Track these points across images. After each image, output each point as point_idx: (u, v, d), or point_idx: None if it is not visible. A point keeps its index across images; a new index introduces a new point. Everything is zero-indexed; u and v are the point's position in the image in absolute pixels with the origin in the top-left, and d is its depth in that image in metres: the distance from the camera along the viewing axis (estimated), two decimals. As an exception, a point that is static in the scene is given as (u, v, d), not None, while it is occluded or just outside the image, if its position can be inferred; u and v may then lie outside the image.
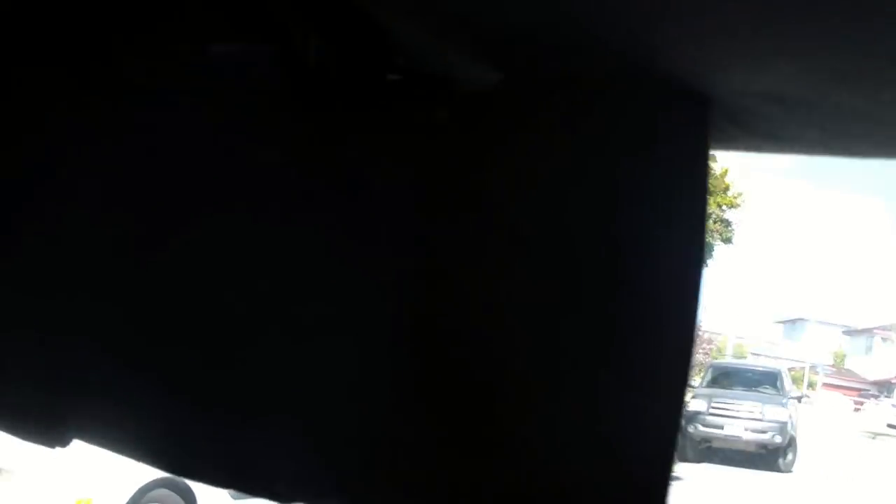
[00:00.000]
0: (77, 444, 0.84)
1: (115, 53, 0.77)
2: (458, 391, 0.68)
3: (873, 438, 15.63)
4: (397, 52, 0.78)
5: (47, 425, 0.76)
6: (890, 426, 15.95)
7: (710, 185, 0.70)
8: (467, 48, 0.77)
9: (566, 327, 0.67)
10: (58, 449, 0.78)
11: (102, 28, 0.78)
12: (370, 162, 0.75)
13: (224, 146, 0.75)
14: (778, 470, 11.63)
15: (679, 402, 0.63)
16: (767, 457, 11.76)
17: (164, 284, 0.73)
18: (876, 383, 17.86)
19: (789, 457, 12.01)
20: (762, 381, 13.45)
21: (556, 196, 0.72)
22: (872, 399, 17.33)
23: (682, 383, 0.63)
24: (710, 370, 14.25)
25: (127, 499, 5.95)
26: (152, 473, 6.15)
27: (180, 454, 0.73)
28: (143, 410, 0.73)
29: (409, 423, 0.69)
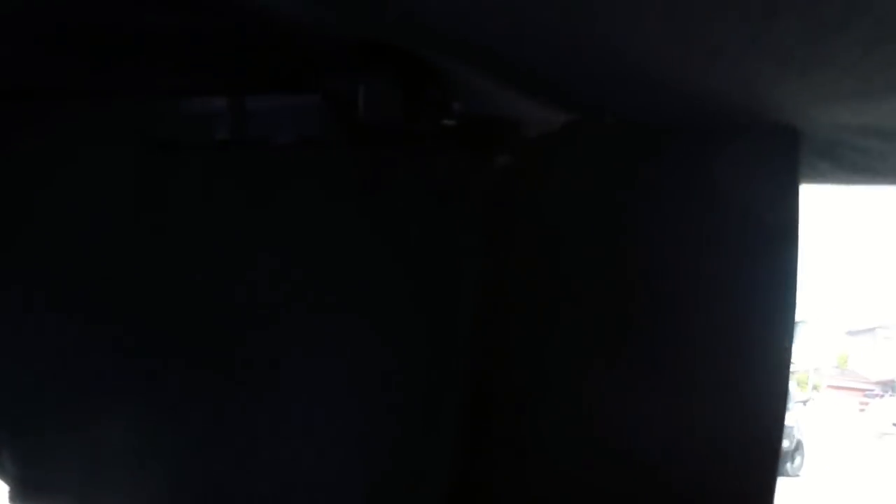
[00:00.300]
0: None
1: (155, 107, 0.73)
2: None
3: (879, 438, 15.66)
4: (455, 96, 0.74)
5: None
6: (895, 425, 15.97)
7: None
8: (532, 91, 0.72)
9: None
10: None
11: (137, 76, 0.74)
12: (424, 208, 0.72)
13: (277, 199, 0.72)
14: (786, 475, 11.60)
15: (782, 410, 0.66)
16: (775, 462, 11.72)
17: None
18: (880, 383, 17.88)
19: (797, 461, 11.99)
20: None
21: (644, 235, 0.70)
22: (877, 399, 17.32)
23: (783, 394, 0.65)
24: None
25: None
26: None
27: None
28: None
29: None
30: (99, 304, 0.74)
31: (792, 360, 0.69)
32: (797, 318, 0.70)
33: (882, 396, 17.41)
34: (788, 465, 11.76)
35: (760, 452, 0.66)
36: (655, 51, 0.58)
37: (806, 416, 13.30)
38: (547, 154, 0.75)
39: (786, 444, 11.59)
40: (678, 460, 0.66)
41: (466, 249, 0.70)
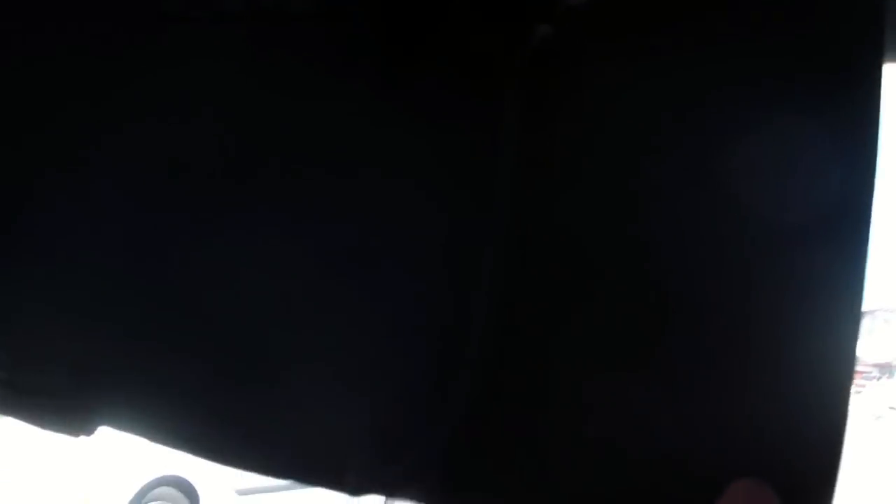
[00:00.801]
0: (81, 443, 0.79)
1: None
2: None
3: (876, 420, 15.72)
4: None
5: (73, 412, 0.67)
6: (892, 408, 15.99)
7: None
8: None
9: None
10: (81, 438, 0.70)
11: None
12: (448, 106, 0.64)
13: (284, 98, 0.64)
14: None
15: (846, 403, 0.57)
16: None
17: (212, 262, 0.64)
18: (877, 365, 17.87)
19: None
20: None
21: (706, 148, 0.61)
22: (874, 381, 17.33)
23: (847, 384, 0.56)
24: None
25: (130, 497, 5.88)
26: (154, 472, 6.06)
27: (220, 439, 0.65)
28: (180, 390, 0.65)
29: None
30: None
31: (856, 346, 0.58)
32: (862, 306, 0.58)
33: (879, 379, 17.41)
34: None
35: (818, 465, 0.56)
36: None
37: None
38: (613, 29, 0.66)
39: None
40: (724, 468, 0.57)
41: (497, 168, 0.62)
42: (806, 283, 0.59)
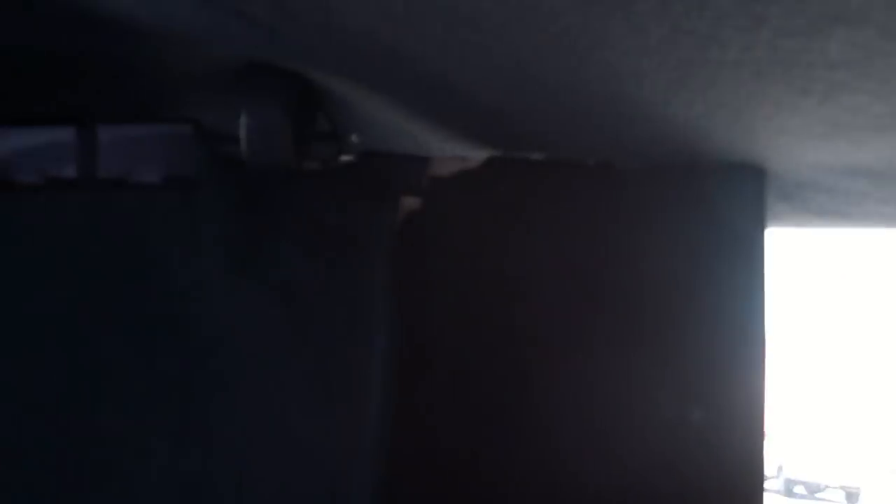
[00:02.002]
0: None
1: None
2: None
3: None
4: (353, 128, 0.62)
5: None
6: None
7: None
8: (448, 124, 0.61)
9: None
10: None
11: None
12: (315, 263, 0.61)
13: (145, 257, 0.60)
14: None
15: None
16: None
17: None
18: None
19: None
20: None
21: (589, 287, 0.63)
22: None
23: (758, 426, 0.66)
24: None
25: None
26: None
27: None
28: None
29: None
30: None
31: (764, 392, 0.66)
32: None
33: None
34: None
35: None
36: (613, 83, 0.49)
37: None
38: (463, 196, 0.64)
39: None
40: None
41: (367, 310, 0.59)
42: None
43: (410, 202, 0.64)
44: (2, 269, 0.62)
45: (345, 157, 0.65)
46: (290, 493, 0.60)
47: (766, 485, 0.72)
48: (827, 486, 11.39)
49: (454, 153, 0.64)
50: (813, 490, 11.51)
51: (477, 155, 0.64)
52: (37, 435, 0.62)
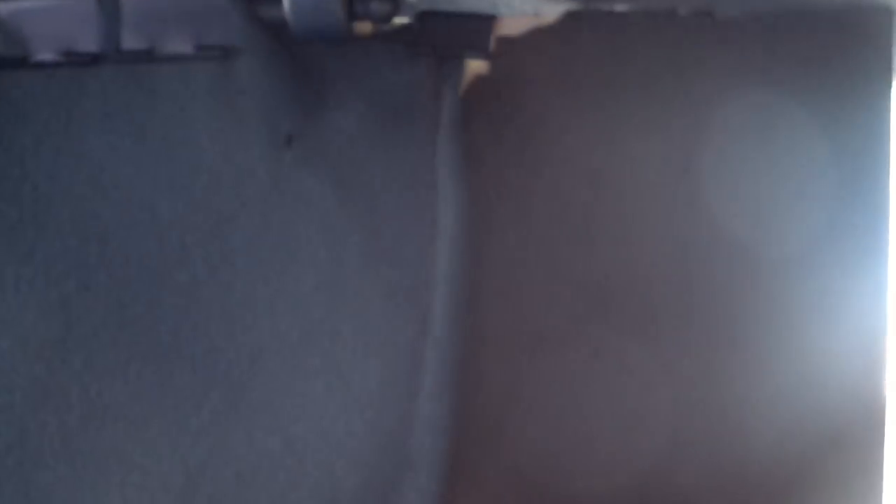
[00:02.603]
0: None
1: None
2: None
3: None
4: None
5: None
6: None
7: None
8: None
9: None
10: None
11: None
12: (372, 139, 0.54)
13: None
14: None
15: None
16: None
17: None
18: None
19: None
20: None
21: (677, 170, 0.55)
22: None
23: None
24: None
25: None
26: None
27: None
28: None
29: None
30: None
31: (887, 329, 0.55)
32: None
33: None
34: None
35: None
36: None
37: None
38: (537, 57, 0.57)
39: None
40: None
41: (430, 191, 0.53)
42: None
43: (476, 67, 0.56)
44: (22, 155, 0.56)
45: (400, 19, 0.57)
46: (346, 400, 0.54)
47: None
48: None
49: (523, 10, 0.56)
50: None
51: (551, 10, 0.56)
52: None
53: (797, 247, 0.57)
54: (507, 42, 0.57)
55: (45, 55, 0.58)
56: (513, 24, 0.56)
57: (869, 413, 0.55)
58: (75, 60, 0.57)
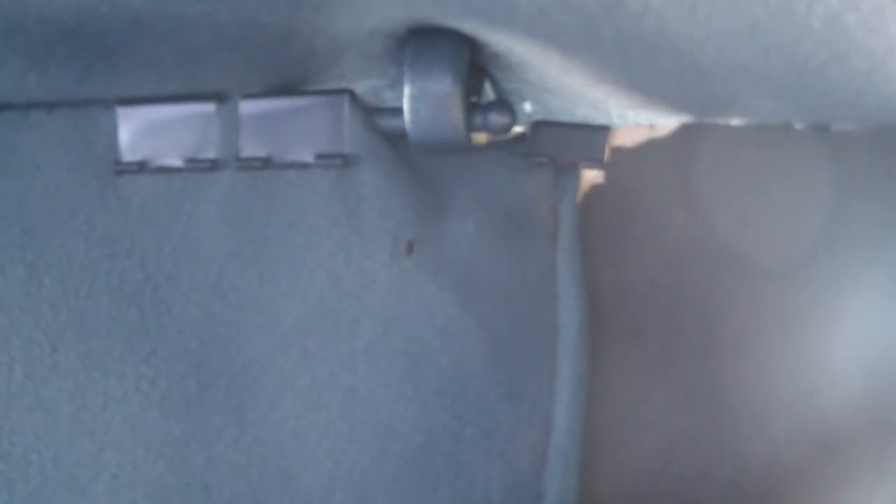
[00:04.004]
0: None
1: None
2: None
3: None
4: (526, 95, 0.55)
5: None
6: None
7: None
8: (631, 88, 0.54)
9: None
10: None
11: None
12: (489, 243, 0.55)
13: None
14: None
15: None
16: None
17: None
18: None
19: None
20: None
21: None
22: None
23: None
24: None
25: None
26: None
27: None
28: None
29: None
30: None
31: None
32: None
33: None
34: None
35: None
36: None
37: None
38: (651, 168, 0.57)
39: None
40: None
41: (549, 294, 0.53)
42: None
43: (592, 176, 0.57)
44: (143, 258, 0.56)
45: (517, 129, 0.58)
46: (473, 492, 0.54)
47: None
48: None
49: (637, 121, 0.57)
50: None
51: (665, 122, 0.57)
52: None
53: (799, 250, 0.57)
54: (622, 152, 0.58)
55: (166, 160, 0.59)
56: (627, 135, 0.57)
57: (869, 419, 0.54)
58: (195, 166, 0.58)
